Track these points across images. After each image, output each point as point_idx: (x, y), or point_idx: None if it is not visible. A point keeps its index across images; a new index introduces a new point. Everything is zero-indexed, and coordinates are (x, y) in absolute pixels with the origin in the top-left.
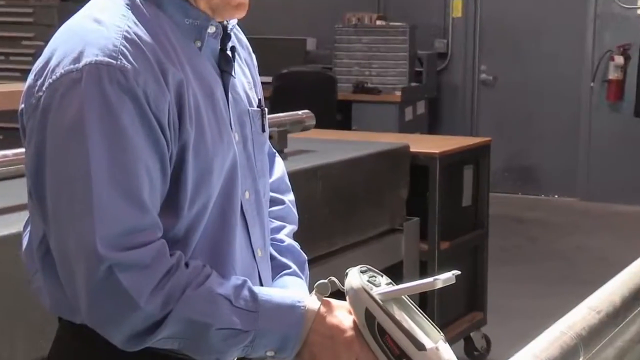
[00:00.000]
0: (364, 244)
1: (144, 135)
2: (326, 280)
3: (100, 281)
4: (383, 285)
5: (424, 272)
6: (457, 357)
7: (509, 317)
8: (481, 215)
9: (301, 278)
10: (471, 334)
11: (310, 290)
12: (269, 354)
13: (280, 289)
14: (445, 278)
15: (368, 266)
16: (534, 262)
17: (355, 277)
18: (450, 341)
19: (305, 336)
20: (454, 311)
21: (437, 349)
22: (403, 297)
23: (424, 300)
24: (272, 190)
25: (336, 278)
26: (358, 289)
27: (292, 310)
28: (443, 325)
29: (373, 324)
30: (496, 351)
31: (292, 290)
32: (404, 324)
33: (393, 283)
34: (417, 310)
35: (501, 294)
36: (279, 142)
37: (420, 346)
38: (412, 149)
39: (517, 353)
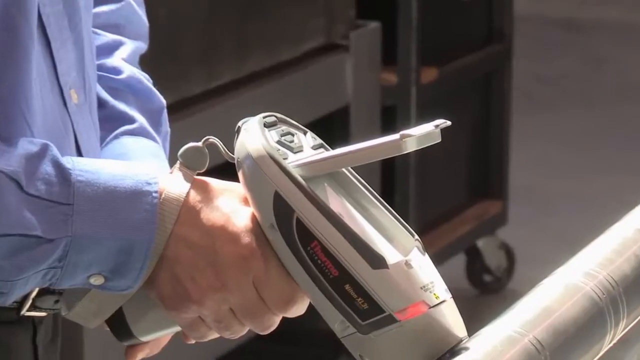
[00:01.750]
0: (276, 73)
1: None
2: (200, 143)
3: None
4: (307, 150)
5: (390, 124)
6: (453, 287)
7: (548, 210)
8: (499, 16)
9: (155, 141)
10: (478, 243)
11: (173, 163)
12: (95, 281)
13: (113, 161)
14: (423, 133)
15: (278, 115)
16: (597, 105)
17: (254, 136)
18: (438, 255)
19: (163, 246)
20: (447, 200)
21: (406, 264)
22: (345, 170)
23: (390, 182)
24: None
25: (219, 139)
26: (260, 157)
27: (135, 199)
28: (425, 226)
29: (289, 220)
30: (524, 272)
31: (137, 162)
32: (347, 221)
33: (327, 147)
34: (372, 198)
35: (535, 167)
36: None
37: (376, 261)
38: None
39: (558, 269)
